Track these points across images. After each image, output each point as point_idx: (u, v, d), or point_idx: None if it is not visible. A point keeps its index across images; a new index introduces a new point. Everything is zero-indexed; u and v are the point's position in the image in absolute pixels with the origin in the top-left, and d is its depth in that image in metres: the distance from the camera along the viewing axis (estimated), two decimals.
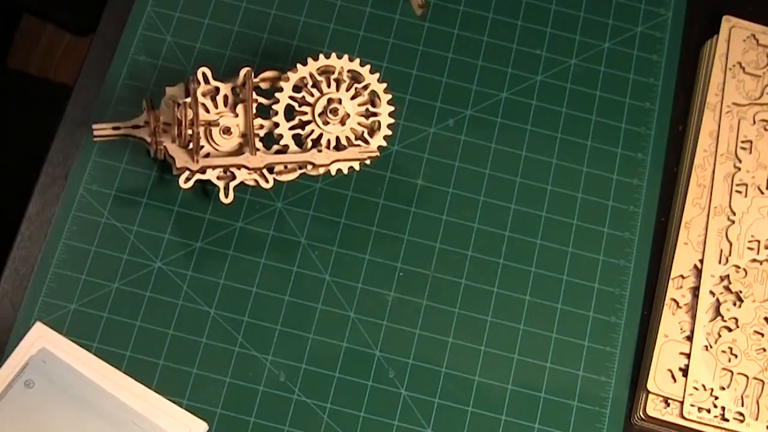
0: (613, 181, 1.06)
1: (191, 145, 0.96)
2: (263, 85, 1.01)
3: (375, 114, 1.00)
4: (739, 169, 1.05)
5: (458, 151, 1.06)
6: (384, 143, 1.00)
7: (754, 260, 1.02)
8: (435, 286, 1.02)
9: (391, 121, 1.00)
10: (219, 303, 0.99)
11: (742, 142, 1.06)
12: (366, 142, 0.99)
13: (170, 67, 1.07)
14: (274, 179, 0.99)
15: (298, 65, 1.00)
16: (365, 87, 1.00)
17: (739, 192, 1.04)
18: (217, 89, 0.99)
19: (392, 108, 1.00)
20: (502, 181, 1.06)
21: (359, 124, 1.00)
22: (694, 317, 1.00)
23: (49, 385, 0.94)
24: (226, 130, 0.98)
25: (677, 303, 1.00)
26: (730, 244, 1.02)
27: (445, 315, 1.01)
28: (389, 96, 1.00)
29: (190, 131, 0.96)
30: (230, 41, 1.09)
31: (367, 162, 1.00)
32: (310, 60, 0.99)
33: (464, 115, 1.08)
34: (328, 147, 0.99)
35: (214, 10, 1.10)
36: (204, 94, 0.99)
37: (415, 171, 1.05)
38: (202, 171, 0.97)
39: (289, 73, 1.00)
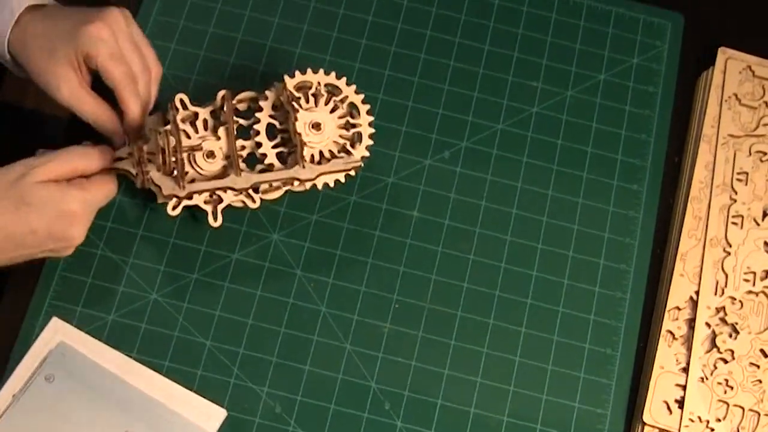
0: (609, 213, 1.13)
1: (176, 172, 1.03)
2: (241, 107, 1.08)
3: (355, 125, 1.06)
4: (735, 200, 1.12)
5: (454, 182, 1.13)
6: (367, 153, 1.06)
7: (750, 292, 1.09)
8: (431, 317, 1.08)
9: (372, 131, 1.06)
10: (215, 334, 1.06)
11: (738, 173, 1.13)
12: (349, 153, 1.05)
13: (176, 76, 1.14)
14: (261, 198, 1.05)
15: (275, 83, 1.07)
16: (343, 100, 1.07)
17: (735, 224, 1.11)
18: (196, 114, 1.06)
19: (371, 118, 1.06)
20: (498, 213, 1.12)
21: (341, 136, 1.06)
22: (689, 349, 1.07)
23: (69, 378, 1.02)
24: (210, 154, 1.05)
25: (673, 335, 1.07)
26: (726, 276, 1.09)
27: (441, 347, 1.07)
28: (368, 106, 1.07)
29: (173, 158, 1.02)
30: (233, 49, 1.17)
31: (352, 173, 1.06)
32: (286, 78, 1.06)
33: (460, 147, 1.15)
34: (312, 161, 1.05)
35: (217, 20, 1.18)
36: (183, 120, 1.05)
37: (411, 203, 1.12)
38: (189, 197, 1.04)
39: (267, 92, 1.07)
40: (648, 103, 1.18)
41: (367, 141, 1.06)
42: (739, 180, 1.13)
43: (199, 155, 1.05)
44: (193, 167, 1.05)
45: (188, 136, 1.05)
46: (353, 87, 1.07)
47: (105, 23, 1.00)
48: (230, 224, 1.09)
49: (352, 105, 1.07)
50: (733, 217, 1.12)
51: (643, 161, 1.15)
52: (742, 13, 1.23)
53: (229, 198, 1.05)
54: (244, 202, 1.05)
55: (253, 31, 1.18)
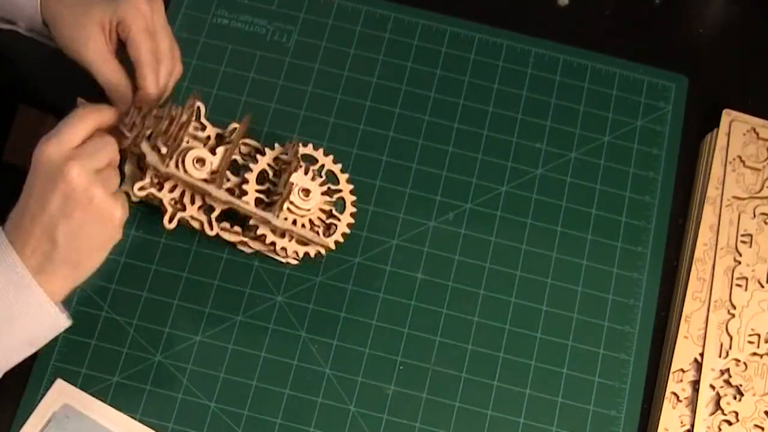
0: (613, 275, 1.15)
1: (164, 150, 1.04)
2: (243, 149, 1.11)
3: (335, 217, 1.10)
4: (740, 262, 1.14)
5: (458, 244, 1.15)
6: (332, 246, 1.09)
7: (755, 354, 1.10)
8: (435, 379, 1.10)
9: (347, 231, 1.10)
10: (219, 396, 1.07)
11: (743, 235, 1.15)
12: (328, 227, 1.09)
13: None
14: (218, 233, 1.09)
15: (290, 144, 1.10)
16: (338, 192, 1.11)
17: (740, 286, 1.13)
18: (204, 127, 1.09)
19: (351, 220, 1.10)
20: (502, 274, 1.14)
21: (318, 218, 1.09)
22: (694, 411, 1.08)
23: None
24: (200, 160, 1.07)
25: (677, 397, 1.09)
26: (731, 338, 1.11)
27: (445, 409, 1.09)
28: (353, 210, 1.11)
29: (176, 132, 1.04)
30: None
31: (311, 254, 1.10)
32: (300, 145, 1.10)
33: (464, 209, 1.17)
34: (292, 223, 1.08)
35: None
36: (194, 129, 1.08)
37: (415, 265, 1.14)
38: (160, 184, 1.06)
39: (276, 146, 1.11)
40: (652, 165, 1.20)
41: (338, 237, 1.10)
42: (743, 242, 1.15)
43: (189, 156, 1.06)
44: (178, 164, 1.07)
45: (187, 142, 1.08)
46: (351, 187, 1.12)
47: (145, 1, 1.04)
48: (234, 286, 1.12)
49: (331, 173, 1.11)
50: (738, 279, 1.13)
51: (647, 223, 1.17)
52: (746, 75, 1.26)
53: (191, 211, 1.08)
54: (202, 224, 1.08)
55: (258, 94, 1.21)
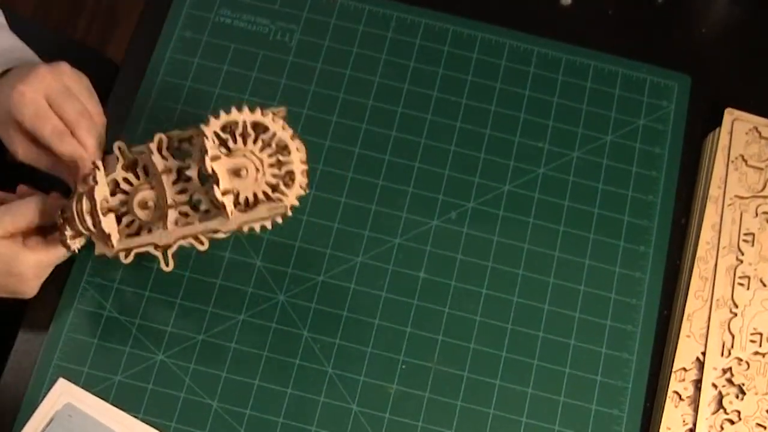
0: (615, 274, 1.16)
1: (107, 229, 1.04)
2: (185, 146, 1.07)
3: (286, 163, 1.03)
4: (742, 261, 1.14)
5: (460, 243, 1.16)
6: (302, 192, 1.03)
7: (757, 353, 1.11)
8: (437, 378, 1.10)
9: (304, 167, 1.03)
10: (221, 395, 1.08)
11: (745, 234, 1.16)
12: (284, 194, 1.03)
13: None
14: (209, 239, 1.06)
15: (201, 126, 1.03)
16: (272, 137, 1.03)
17: (742, 285, 1.14)
18: (136, 161, 1.07)
19: (302, 154, 1.04)
20: (504, 273, 1.15)
21: (273, 176, 1.03)
22: (696, 410, 1.09)
23: None
24: (143, 204, 1.06)
25: (680, 395, 1.09)
26: (733, 337, 1.11)
27: (447, 408, 1.09)
28: (297, 142, 1.03)
29: (92, 222, 1.04)
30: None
31: (279, 220, 1.04)
32: (211, 119, 1.02)
33: (467, 208, 1.18)
34: (245, 205, 1.03)
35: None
36: (126, 167, 1.06)
37: (418, 264, 1.15)
38: (127, 251, 1.06)
39: (194, 138, 1.05)
40: (654, 164, 1.21)
41: (300, 180, 1.03)
42: (745, 241, 1.16)
43: (134, 203, 1.05)
44: (132, 212, 1.06)
45: (130, 183, 1.06)
46: (281, 123, 1.03)
47: (27, 86, 1.04)
48: (237, 285, 1.13)
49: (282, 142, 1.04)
50: (740, 278, 1.14)
51: (649, 222, 1.18)
52: (748, 74, 1.26)
53: (177, 242, 1.06)
54: (192, 244, 1.06)
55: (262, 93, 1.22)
